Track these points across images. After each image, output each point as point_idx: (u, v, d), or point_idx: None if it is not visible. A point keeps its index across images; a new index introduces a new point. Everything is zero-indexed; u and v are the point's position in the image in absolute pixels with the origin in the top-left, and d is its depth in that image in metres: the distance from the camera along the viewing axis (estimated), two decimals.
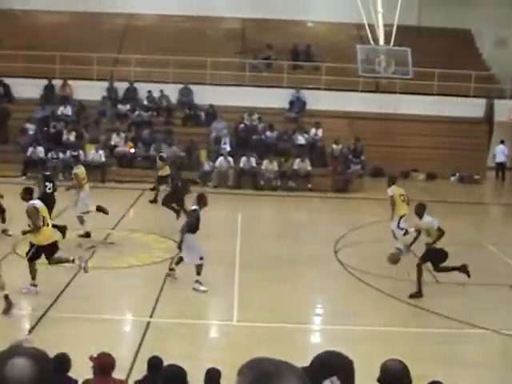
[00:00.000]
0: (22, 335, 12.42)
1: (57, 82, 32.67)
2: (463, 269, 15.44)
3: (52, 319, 13.49)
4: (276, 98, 32.52)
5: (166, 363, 8.23)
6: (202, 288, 15.35)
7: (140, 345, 12.26)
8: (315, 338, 14.35)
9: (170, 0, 35.90)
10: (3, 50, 34.02)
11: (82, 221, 19.53)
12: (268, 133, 30.82)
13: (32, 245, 14.81)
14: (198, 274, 15.36)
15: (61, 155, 28.51)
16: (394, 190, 18.67)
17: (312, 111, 32.39)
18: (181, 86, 32.58)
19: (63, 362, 7.99)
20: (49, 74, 32.32)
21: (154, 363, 8.51)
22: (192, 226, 15.32)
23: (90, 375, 8.10)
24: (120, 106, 32.09)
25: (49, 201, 17.81)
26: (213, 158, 29.02)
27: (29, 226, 14.95)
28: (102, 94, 32.38)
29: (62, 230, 18.46)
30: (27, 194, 15.26)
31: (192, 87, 32.57)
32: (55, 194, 19.05)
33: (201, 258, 15.26)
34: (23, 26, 36.14)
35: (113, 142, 29.63)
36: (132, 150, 29.09)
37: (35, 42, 33.74)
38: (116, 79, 33.00)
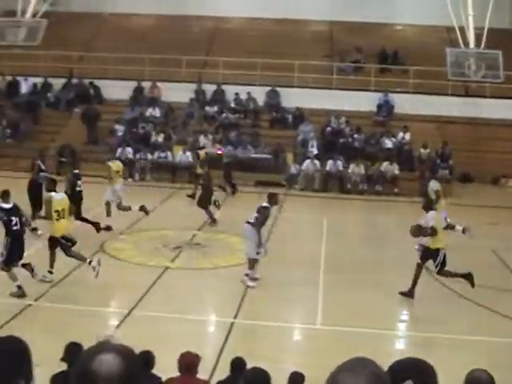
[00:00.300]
0: (109, 332, 12.65)
1: (146, 84, 33.19)
2: (468, 277, 15.17)
3: (137, 317, 13.68)
4: (363, 102, 32.30)
5: (248, 365, 8.25)
6: (251, 284, 15.56)
7: (223, 345, 12.33)
8: (399, 344, 14.15)
9: (258, 3, 35.97)
10: (93, 53, 34.80)
11: (108, 211, 20.38)
12: (355, 136, 30.62)
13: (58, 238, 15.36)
14: (250, 268, 15.63)
15: (149, 156, 28.96)
16: (436, 185, 19.60)
17: (400, 115, 32.04)
18: (268, 88, 32.67)
19: (148, 359, 8.10)
20: (138, 76, 32.84)
21: (237, 364, 8.53)
22: (262, 223, 15.63)
23: (173, 374, 8.19)
24: (208, 108, 32.37)
25: (77, 198, 18.96)
26: (299, 161, 29.01)
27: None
28: (189, 96, 32.73)
29: (96, 226, 19.23)
30: (50, 186, 15.85)
31: (279, 90, 32.62)
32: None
33: (257, 253, 15.61)
34: (113, 29, 36.87)
35: (200, 144, 29.88)
36: (219, 152, 29.28)
37: (125, 44, 34.32)
38: (204, 81, 33.32)
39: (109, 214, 20.45)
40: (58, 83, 33.81)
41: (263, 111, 32.62)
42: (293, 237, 20.52)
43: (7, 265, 14.25)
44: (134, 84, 33.01)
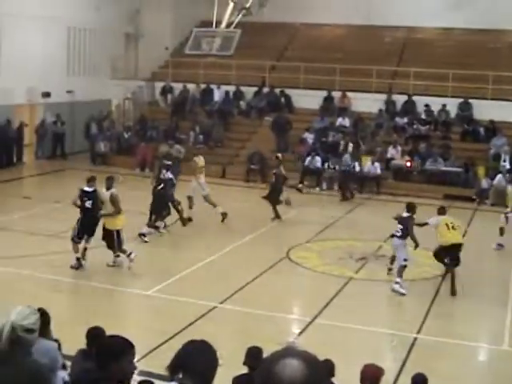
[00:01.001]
0: (291, 339, 12.75)
1: (336, 94, 33.25)
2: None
3: (319, 326, 13.71)
4: None
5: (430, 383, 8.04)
6: (402, 290, 15.74)
7: (405, 360, 12.11)
8: None
9: (451, 13, 35.10)
10: (285, 62, 35.34)
11: (191, 204, 21.50)
12: None
13: (117, 231, 16.45)
14: (399, 275, 15.85)
15: (337, 166, 28.95)
16: None
17: None
18: (460, 100, 31.87)
19: (328, 367, 8.06)
20: (328, 86, 32.97)
21: (419, 381, 8.35)
22: (411, 231, 16.04)
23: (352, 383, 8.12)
24: (397, 119, 32.00)
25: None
26: (491, 176, 28.06)
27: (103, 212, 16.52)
28: (379, 107, 32.48)
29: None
30: (109, 183, 16.77)
31: (472, 102, 31.72)
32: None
33: (405, 260, 15.94)
34: (304, 39, 37.32)
35: (389, 155, 29.60)
36: (408, 164, 28.89)
37: (316, 54, 34.61)
38: (394, 92, 33.00)
39: (191, 206, 21.57)
40: (249, 91, 34.54)
41: (454, 123, 31.83)
42: (483, 253, 19.89)
43: (75, 237, 16.38)
44: (323, 93, 33.17)
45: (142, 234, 19.36)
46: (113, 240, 16.39)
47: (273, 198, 22.51)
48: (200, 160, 22.48)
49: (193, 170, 22.21)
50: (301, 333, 13.34)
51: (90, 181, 16.62)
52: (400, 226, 16.01)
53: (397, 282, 15.81)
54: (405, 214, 16.17)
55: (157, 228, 19.99)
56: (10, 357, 4.51)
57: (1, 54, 29.00)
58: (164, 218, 20.12)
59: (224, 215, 21.69)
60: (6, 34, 28.91)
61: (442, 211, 16.86)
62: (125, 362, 5.07)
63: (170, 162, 21.08)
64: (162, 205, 19.93)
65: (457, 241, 16.13)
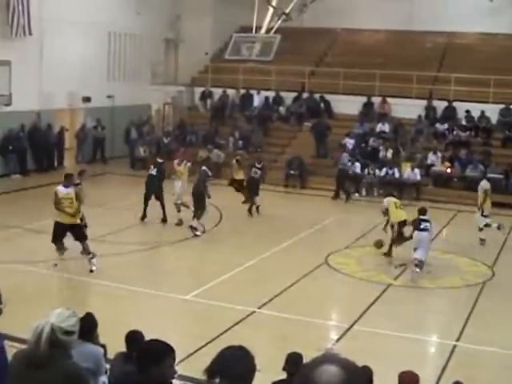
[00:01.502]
0: (329, 345, 12.70)
1: (376, 100, 33.10)
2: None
3: (358, 332, 13.64)
4: None
5: None
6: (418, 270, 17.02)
7: (444, 368, 11.99)
8: None
9: (494, 18, 34.80)
10: (325, 68, 35.29)
11: (178, 209, 21.57)
12: None
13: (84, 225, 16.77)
14: (419, 267, 17.01)
15: (377, 172, 28.81)
16: (487, 185, 21.71)
17: None
18: (501, 106, 31.52)
19: (367, 374, 8.01)
20: (368, 92, 32.82)
21: None
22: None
23: None
24: (438, 125, 31.76)
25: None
26: None
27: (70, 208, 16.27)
28: (419, 113, 32.24)
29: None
30: (71, 180, 16.75)
31: None
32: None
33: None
34: (344, 44, 37.25)
35: (429, 161, 29.37)
36: (449, 170, 28.65)
37: (355, 59, 34.49)
38: (435, 98, 32.75)
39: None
40: (288, 97, 34.51)
41: (495, 129, 31.48)
42: None
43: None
44: (363, 99, 33.03)
45: (192, 227, 19.97)
46: (81, 232, 16.54)
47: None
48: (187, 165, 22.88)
49: (180, 173, 22.31)
50: (339, 339, 13.28)
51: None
52: (428, 224, 17.38)
53: (417, 272, 17.12)
54: (424, 217, 17.59)
55: (195, 229, 20.20)
56: (50, 360, 4.54)
57: (42, 59, 29.32)
58: (199, 215, 20.35)
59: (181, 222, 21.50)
60: (47, 39, 29.20)
61: (390, 194, 19.89)
62: (165, 366, 5.09)
63: (161, 161, 22.11)
64: (200, 201, 20.29)
65: (405, 218, 18.70)
